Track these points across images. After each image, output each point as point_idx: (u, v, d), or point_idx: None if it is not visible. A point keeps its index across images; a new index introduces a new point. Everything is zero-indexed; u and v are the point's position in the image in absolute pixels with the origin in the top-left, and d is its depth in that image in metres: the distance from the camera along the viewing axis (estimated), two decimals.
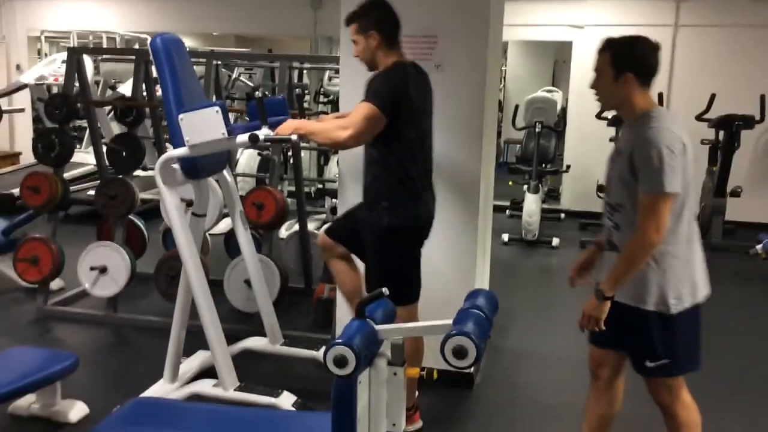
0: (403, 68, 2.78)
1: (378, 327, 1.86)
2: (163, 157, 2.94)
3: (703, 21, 7.26)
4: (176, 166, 2.98)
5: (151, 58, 2.99)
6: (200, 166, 3.06)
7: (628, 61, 2.26)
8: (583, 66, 7.65)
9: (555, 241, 6.64)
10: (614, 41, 2.30)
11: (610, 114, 6.70)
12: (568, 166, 7.68)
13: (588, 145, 7.62)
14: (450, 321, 1.91)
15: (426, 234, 2.94)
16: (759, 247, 4.48)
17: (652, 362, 2.31)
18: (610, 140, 6.92)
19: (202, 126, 2.73)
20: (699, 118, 6.66)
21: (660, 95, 6.69)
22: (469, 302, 2.17)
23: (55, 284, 4.77)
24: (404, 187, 2.77)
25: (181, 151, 2.85)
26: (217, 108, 2.71)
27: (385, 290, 1.94)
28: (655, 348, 2.30)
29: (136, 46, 9.24)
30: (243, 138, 2.73)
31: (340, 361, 1.60)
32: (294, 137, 2.67)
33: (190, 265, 2.95)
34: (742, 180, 6.96)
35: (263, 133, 2.71)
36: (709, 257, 2.43)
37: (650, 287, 2.25)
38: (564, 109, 7.72)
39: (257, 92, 2.63)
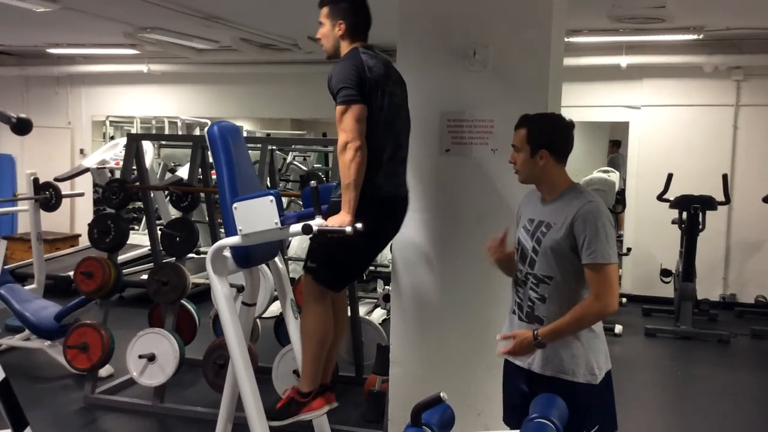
0: (356, 51, 2.85)
1: None
2: (215, 245, 2.88)
3: (765, 100, 7.03)
4: (228, 254, 2.92)
5: (208, 145, 2.99)
6: (252, 255, 2.98)
7: (542, 139, 2.38)
8: (640, 147, 7.48)
9: (618, 329, 6.31)
10: (531, 118, 2.43)
11: (672, 196, 6.49)
12: (629, 249, 7.41)
13: (649, 227, 7.37)
14: None
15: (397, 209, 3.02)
16: None
17: None
18: (673, 222, 6.67)
19: (256, 215, 2.67)
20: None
21: (724, 176, 6.44)
22: (536, 409, 1.99)
23: (105, 371, 4.72)
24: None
25: (234, 240, 2.79)
26: (271, 197, 2.65)
27: (443, 395, 1.79)
28: (587, 417, 2.34)
29: (197, 131, 9.50)
30: (296, 228, 2.65)
31: None
32: (348, 229, 2.58)
33: (239, 360, 2.83)
34: None
35: (317, 223, 2.63)
36: None
37: (578, 360, 2.35)
38: (622, 191, 7.50)
39: (312, 182, 2.57)
